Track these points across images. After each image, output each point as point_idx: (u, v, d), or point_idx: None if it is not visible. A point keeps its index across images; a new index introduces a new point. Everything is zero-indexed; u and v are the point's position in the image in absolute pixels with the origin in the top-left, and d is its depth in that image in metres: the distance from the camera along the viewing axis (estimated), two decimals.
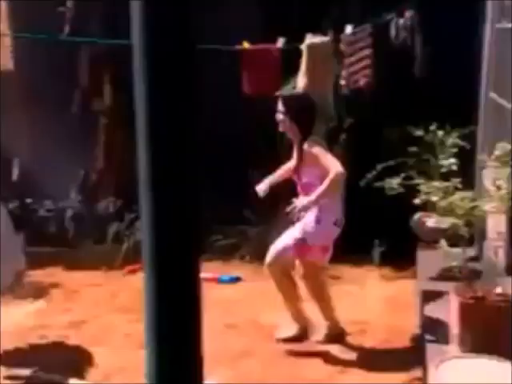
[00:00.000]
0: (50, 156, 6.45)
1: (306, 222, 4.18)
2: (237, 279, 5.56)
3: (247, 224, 6.05)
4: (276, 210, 5.07)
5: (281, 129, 4.31)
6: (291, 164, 4.40)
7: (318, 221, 4.17)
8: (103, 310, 4.96)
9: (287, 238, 4.27)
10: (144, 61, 1.10)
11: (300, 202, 4.09)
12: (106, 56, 6.32)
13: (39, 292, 5.34)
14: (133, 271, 5.69)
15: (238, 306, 4.97)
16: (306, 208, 4.08)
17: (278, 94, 4.43)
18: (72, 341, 4.46)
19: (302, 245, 4.18)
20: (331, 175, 3.95)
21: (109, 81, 6.51)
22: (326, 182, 3.97)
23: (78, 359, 4.19)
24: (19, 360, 4.18)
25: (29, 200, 6.67)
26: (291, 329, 4.38)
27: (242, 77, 4.97)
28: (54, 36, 5.68)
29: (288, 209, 4.10)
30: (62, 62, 6.26)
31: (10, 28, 6.61)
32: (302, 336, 4.37)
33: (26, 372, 3.94)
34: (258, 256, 5.01)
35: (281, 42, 4.97)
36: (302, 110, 4.23)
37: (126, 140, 6.62)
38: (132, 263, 5.62)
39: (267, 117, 4.49)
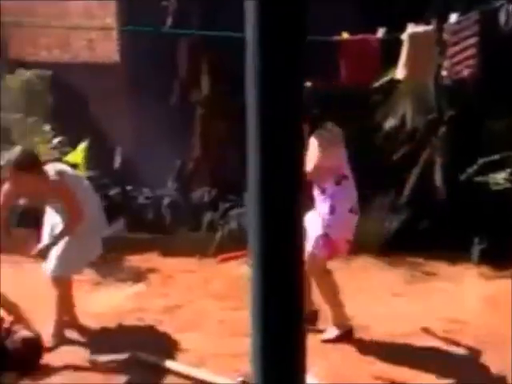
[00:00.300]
0: (149, 145, 6.67)
1: (322, 215, 4.12)
2: None
3: None
4: None
5: None
6: None
7: (332, 211, 4.10)
8: (197, 296, 5.07)
9: (310, 237, 4.11)
10: (257, 58, 1.11)
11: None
12: (204, 47, 6.44)
13: (138, 276, 5.53)
14: (226, 259, 5.78)
15: None
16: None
17: None
18: (167, 325, 4.59)
19: (326, 240, 4.12)
20: None
21: (206, 72, 6.63)
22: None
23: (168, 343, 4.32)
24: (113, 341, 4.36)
25: (129, 187, 6.92)
26: (333, 330, 4.30)
27: (339, 67, 4.91)
28: (157, 29, 5.85)
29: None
30: (163, 53, 6.43)
31: (117, 22, 6.85)
32: (345, 337, 4.29)
33: (123, 356, 4.07)
34: None
35: (381, 33, 4.87)
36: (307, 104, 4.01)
37: (222, 130, 6.75)
38: (225, 252, 5.70)
39: None
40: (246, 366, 3.85)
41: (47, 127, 6.20)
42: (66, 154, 6.23)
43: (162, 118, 6.67)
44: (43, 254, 4.25)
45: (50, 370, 3.99)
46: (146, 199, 6.95)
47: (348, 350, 4.23)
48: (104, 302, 5.00)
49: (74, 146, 6.32)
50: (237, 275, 5.56)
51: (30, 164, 4.02)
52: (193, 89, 6.70)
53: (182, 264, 5.76)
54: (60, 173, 4.21)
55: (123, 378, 3.96)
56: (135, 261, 5.86)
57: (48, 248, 4.22)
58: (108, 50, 6.97)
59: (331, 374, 3.91)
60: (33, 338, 4.04)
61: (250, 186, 1.15)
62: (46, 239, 4.39)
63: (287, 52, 1.11)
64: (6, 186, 4.15)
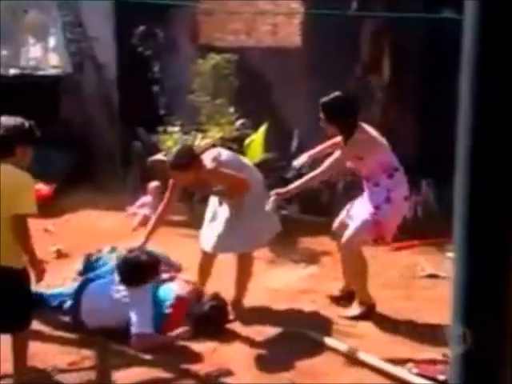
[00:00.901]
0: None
1: (377, 203, 4.32)
2: None
3: None
4: None
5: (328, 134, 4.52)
6: (336, 140, 4.57)
7: (388, 200, 4.30)
8: (369, 284, 5.03)
9: (358, 220, 4.38)
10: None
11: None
12: (388, 31, 6.33)
13: (311, 258, 5.63)
14: (401, 248, 5.68)
15: None
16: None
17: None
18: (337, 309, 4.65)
19: (378, 226, 4.33)
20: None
21: (388, 56, 6.51)
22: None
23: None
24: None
25: (304, 170, 7.01)
26: (356, 308, 4.51)
27: None
28: (342, 12, 5.85)
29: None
30: (345, 37, 6.43)
31: (302, 6, 6.96)
32: (368, 314, 4.48)
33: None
34: None
35: None
36: (338, 113, 4.36)
37: (400, 116, 6.61)
38: (401, 240, 5.60)
39: None
40: (419, 354, 3.86)
41: (231, 109, 6.49)
42: (247, 136, 6.49)
43: None
44: None
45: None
46: (321, 182, 7.03)
47: None
48: (278, 281, 5.17)
49: (254, 129, 6.55)
50: (408, 264, 5.46)
51: (185, 163, 4.29)
52: (373, 74, 6.62)
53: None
54: (215, 158, 4.42)
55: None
56: (309, 243, 5.97)
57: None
58: (290, 34, 7.11)
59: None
60: (219, 306, 4.34)
61: (458, 173, 1.12)
62: (206, 225, 4.62)
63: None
64: (171, 181, 4.53)
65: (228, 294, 4.55)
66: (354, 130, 4.36)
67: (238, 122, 6.45)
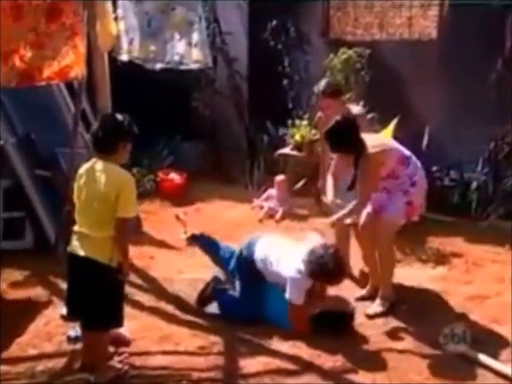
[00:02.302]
0: (460, 125, 6.46)
1: (404, 188, 4.38)
2: None
3: None
4: None
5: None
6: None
7: (413, 184, 4.40)
8: (506, 288, 4.78)
9: (390, 207, 4.39)
10: None
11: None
12: None
13: (440, 259, 5.43)
14: None
15: None
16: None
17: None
18: (473, 314, 4.45)
19: (409, 208, 4.42)
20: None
21: None
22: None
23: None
24: None
25: (435, 168, 6.80)
26: (379, 304, 4.50)
27: None
28: (487, 2, 5.58)
29: None
30: (487, 29, 6.14)
31: None
32: (373, 295, 4.58)
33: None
34: None
35: None
36: (341, 139, 4.26)
37: None
38: None
39: None
40: None
41: (361, 104, 6.39)
42: (376, 131, 6.36)
43: (477, 97, 6.40)
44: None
45: None
46: (451, 181, 6.76)
47: None
48: (404, 280, 5.03)
49: (384, 124, 6.41)
50: None
51: (335, 90, 4.98)
52: None
53: (489, 253, 5.48)
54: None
55: None
56: (437, 243, 5.77)
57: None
58: (425, 27, 6.89)
59: None
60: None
61: None
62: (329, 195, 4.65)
63: None
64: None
65: None
66: (363, 148, 4.27)
67: (368, 117, 6.34)
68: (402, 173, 4.41)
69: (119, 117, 3.52)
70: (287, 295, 4.15)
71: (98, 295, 3.44)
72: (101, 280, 3.42)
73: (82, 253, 3.42)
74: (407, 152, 4.51)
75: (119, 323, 3.63)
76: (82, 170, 3.53)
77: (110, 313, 3.54)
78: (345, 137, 4.24)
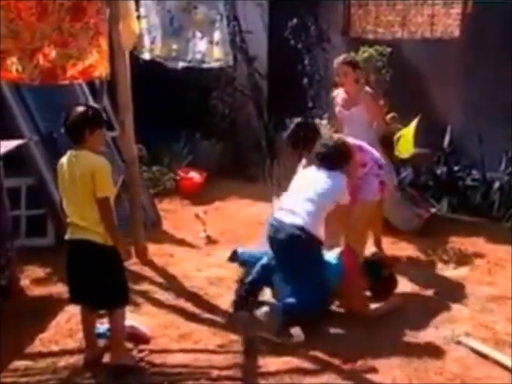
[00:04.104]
0: (483, 124, 6.39)
1: (375, 173, 4.78)
2: None
3: None
4: None
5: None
6: None
7: (380, 166, 4.86)
8: None
9: (363, 186, 4.75)
10: None
11: None
12: None
13: (461, 259, 5.39)
14: None
15: None
16: None
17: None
18: (495, 315, 4.41)
19: (383, 186, 4.86)
20: None
21: None
22: None
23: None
24: None
25: (456, 167, 6.74)
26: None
27: None
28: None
29: None
30: (509, 27, 6.07)
31: None
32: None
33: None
34: None
35: None
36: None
37: None
38: None
39: None
40: None
41: (381, 102, 6.34)
42: (397, 130, 6.31)
43: (500, 96, 6.34)
44: None
45: None
46: (473, 181, 6.70)
47: None
48: (423, 281, 5.00)
49: (405, 123, 6.36)
50: None
51: (351, 61, 5.42)
52: None
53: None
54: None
55: None
56: (459, 243, 5.72)
57: None
58: (448, 25, 6.83)
59: None
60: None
61: None
62: None
63: None
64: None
65: None
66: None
67: (388, 116, 6.30)
68: (367, 158, 4.78)
69: (84, 107, 3.68)
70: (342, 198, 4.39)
71: (98, 275, 3.57)
72: (99, 260, 3.56)
73: (77, 237, 3.59)
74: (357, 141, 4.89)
75: (125, 300, 3.72)
76: (62, 160, 3.68)
77: (113, 291, 3.64)
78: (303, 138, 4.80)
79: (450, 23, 6.82)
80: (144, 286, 4.81)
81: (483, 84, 6.47)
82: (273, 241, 4.31)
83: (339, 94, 5.55)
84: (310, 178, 4.45)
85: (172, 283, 4.92)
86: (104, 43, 4.60)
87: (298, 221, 4.20)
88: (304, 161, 4.99)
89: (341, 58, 5.46)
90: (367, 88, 5.48)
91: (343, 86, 5.45)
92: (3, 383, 3.60)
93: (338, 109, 5.55)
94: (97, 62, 4.59)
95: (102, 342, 3.90)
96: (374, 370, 3.78)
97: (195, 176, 7.29)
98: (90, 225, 3.53)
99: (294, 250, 4.19)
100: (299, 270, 4.17)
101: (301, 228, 4.17)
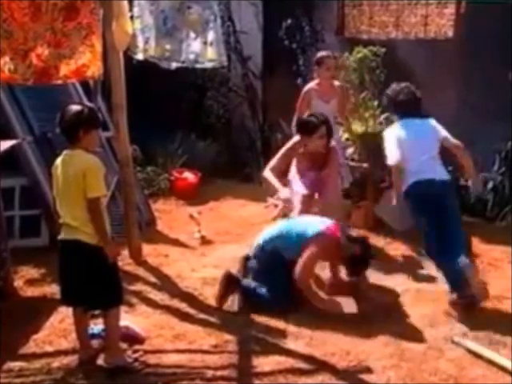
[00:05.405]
0: (476, 125, 6.40)
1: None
2: None
3: None
4: None
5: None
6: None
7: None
8: None
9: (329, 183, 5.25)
10: None
11: None
12: None
13: None
14: None
15: None
16: None
17: None
18: (490, 315, 4.41)
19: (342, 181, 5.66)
20: None
21: None
22: None
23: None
24: None
25: (450, 167, 6.73)
26: None
27: None
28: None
29: None
30: (505, 27, 6.08)
31: None
32: None
33: None
34: None
35: None
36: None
37: None
38: None
39: None
40: None
41: (376, 103, 6.36)
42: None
43: (494, 96, 6.35)
44: None
45: None
46: (467, 181, 6.70)
47: None
48: (421, 279, 5.01)
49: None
50: None
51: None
52: None
53: (506, 253, 5.44)
54: None
55: None
56: None
57: None
58: (441, 25, 6.84)
59: None
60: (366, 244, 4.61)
61: None
62: None
63: None
64: None
65: None
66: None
67: (382, 117, 6.32)
68: (305, 170, 5.22)
69: (77, 107, 3.67)
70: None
71: (90, 276, 3.57)
72: (91, 260, 3.56)
73: (69, 237, 3.59)
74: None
75: (118, 300, 3.71)
76: (57, 161, 3.68)
77: (106, 291, 3.63)
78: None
79: (443, 23, 6.83)
80: (138, 287, 4.81)
81: (477, 84, 6.49)
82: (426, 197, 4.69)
83: (312, 88, 5.88)
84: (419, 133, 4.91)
85: (166, 283, 4.91)
86: (97, 43, 4.59)
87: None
88: (295, 161, 5.26)
89: (325, 53, 5.85)
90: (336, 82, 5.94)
91: (330, 79, 5.84)
92: None
93: (314, 102, 5.81)
94: (90, 62, 4.59)
95: (96, 343, 3.90)
96: (368, 370, 3.79)
97: (189, 176, 7.28)
98: (81, 225, 3.54)
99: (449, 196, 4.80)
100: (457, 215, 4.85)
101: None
